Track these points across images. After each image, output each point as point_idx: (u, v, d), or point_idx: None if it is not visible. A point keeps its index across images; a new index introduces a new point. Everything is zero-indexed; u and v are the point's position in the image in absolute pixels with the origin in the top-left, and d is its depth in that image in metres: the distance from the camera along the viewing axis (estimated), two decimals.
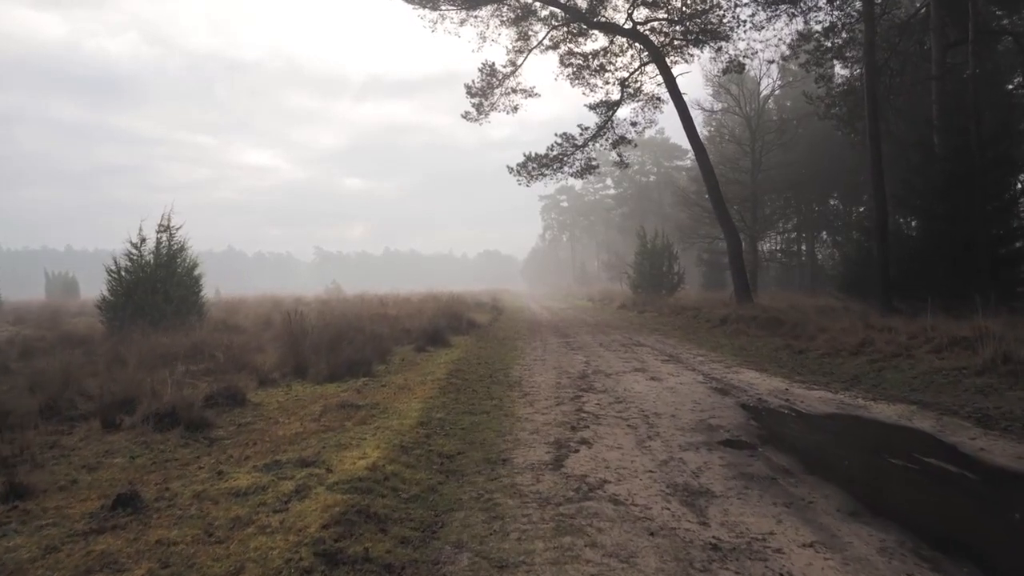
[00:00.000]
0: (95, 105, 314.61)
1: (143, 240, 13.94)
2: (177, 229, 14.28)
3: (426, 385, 7.52)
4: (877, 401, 6.54)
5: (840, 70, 21.42)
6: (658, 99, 20.07)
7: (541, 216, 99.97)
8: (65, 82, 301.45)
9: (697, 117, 46.72)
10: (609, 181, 78.11)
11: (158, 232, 14.14)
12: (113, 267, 13.51)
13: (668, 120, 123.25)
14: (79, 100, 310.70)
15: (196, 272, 14.53)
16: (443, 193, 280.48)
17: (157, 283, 13.72)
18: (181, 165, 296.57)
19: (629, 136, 20.53)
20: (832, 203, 35.82)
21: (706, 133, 50.46)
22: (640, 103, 20.04)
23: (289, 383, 8.11)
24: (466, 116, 20.47)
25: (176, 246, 14.32)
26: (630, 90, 19.57)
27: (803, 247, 38.52)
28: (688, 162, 62.56)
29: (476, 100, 20.00)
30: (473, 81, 20.01)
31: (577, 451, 4.76)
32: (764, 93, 31.01)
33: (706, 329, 14.91)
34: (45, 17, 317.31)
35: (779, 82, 31.40)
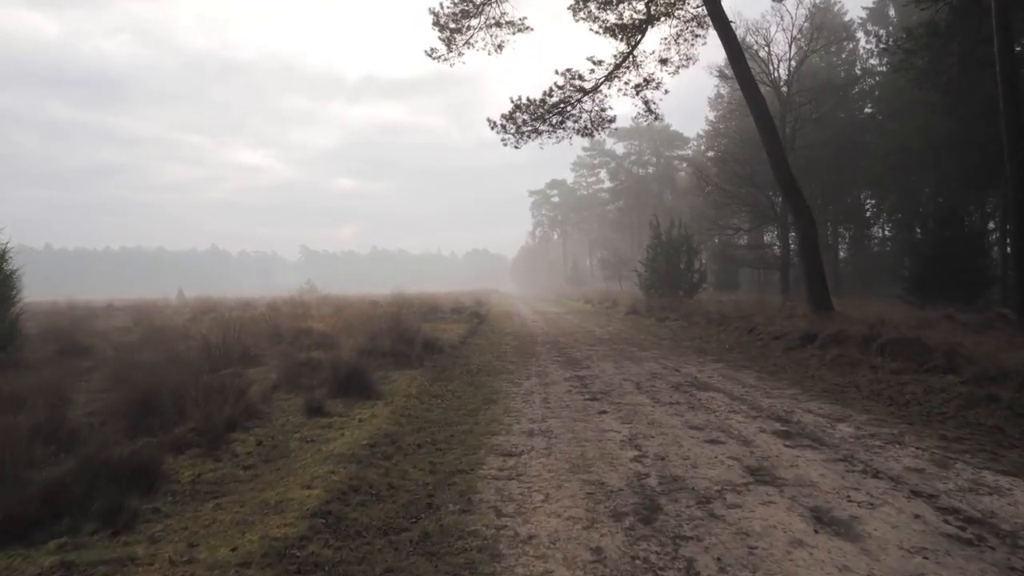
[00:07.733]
0: (91, 105, 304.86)
1: None
2: None
3: None
4: None
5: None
6: (699, 23, 14.61)
7: (531, 212, 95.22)
8: (62, 82, 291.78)
9: (712, 91, 41.93)
10: (603, 174, 73.48)
11: None
12: None
13: (669, 111, 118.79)
14: (75, 100, 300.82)
15: (5, 267, 9.49)
16: (434, 194, 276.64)
17: None
18: (176, 165, 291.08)
19: (657, 77, 15.24)
20: (847, 194, 31.43)
21: (711, 117, 46.13)
22: (675, 29, 14.79)
23: None
24: (432, 54, 15.22)
25: None
26: (661, 7, 14.31)
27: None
28: (690, 152, 58.00)
29: (446, 34, 14.80)
30: (441, 5, 14.64)
31: None
32: (795, 60, 26.32)
33: (781, 352, 10.11)
34: (41, 17, 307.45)
35: (806, 47, 26.71)
